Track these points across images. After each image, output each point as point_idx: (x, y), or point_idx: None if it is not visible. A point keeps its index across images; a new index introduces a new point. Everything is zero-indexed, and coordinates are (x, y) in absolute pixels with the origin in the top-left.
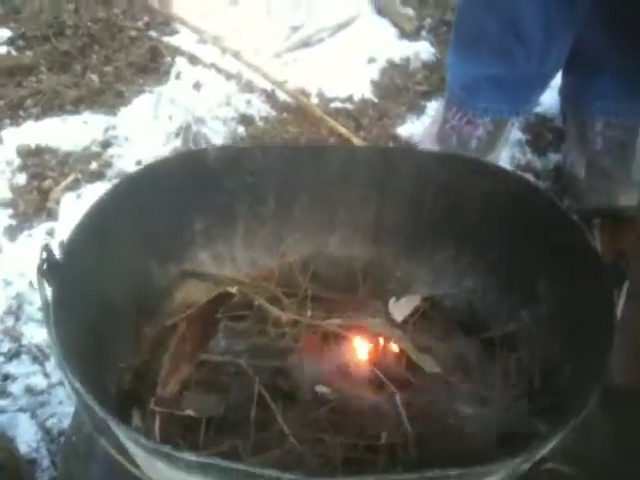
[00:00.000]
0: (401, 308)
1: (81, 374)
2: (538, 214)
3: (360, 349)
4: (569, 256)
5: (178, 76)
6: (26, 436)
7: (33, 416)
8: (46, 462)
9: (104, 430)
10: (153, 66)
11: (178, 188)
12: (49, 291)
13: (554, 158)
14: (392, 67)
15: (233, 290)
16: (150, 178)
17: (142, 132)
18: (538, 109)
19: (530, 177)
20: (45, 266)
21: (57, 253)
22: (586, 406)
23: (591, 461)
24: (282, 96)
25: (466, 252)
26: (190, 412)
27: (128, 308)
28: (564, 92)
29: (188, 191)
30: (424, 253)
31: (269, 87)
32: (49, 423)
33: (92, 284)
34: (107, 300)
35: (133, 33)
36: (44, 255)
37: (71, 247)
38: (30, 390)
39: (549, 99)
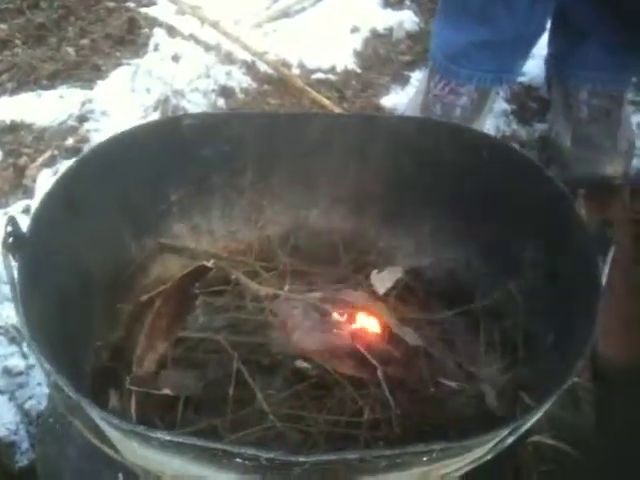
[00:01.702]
0: (383, 280)
1: (51, 353)
2: (522, 181)
3: (341, 322)
4: (554, 224)
5: (156, 48)
6: (5, 418)
7: (12, 398)
8: (25, 444)
9: (77, 411)
10: (130, 38)
11: (152, 157)
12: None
13: (539, 128)
14: (375, 37)
15: (209, 264)
16: (122, 147)
17: (119, 106)
18: (523, 79)
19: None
20: (10, 240)
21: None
22: (569, 376)
23: (578, 434)
24: (263, 67)
25: (448, 222)
26: (167, 391)
27: (102, 283)
28: (549, 61)
29: (163, 160)
30: (406, 223)
31: (249, 58)
32: (28, 405)
33: (62, 258)
34: (80, 275)
35: (110, 4)
36: (9, 228)
37: (39, 219)
38: (8, 372)
39: (533, 68)
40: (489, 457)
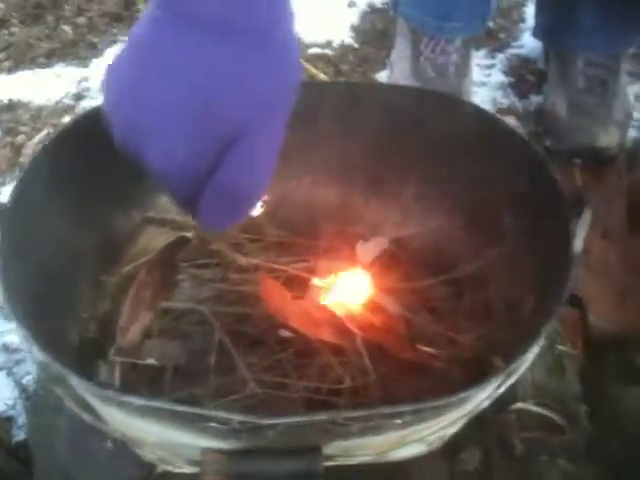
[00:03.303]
0: (368, 251)
1: (31, 324)
2: (502, 148)
3: (323, 292)
4: (531, 190)
5: None
6: (2, 393)
7: (9, 374)
8: (22, 419)
9: (59, 380)
10: (127, 15)
11: None
12: None
13: (536, 100)
14: (373, 11)
15: (190, 235)
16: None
17: None
18: (520, 51)
19: (512, 120)
20: None
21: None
22: (536, 340)
23: (562, 402)
24: None
25: (432, 191)
26: (152, 360)
27: (88, 256)
28: (541, 33)
29: None
30: (390, 193)
31: None
32: (25, 380)
33: (45, 230)
34: (63, 248)
35: None
36: None
37: (21, 190)
38: (6, 348)
39: (532, 41)
40: (466, 420)
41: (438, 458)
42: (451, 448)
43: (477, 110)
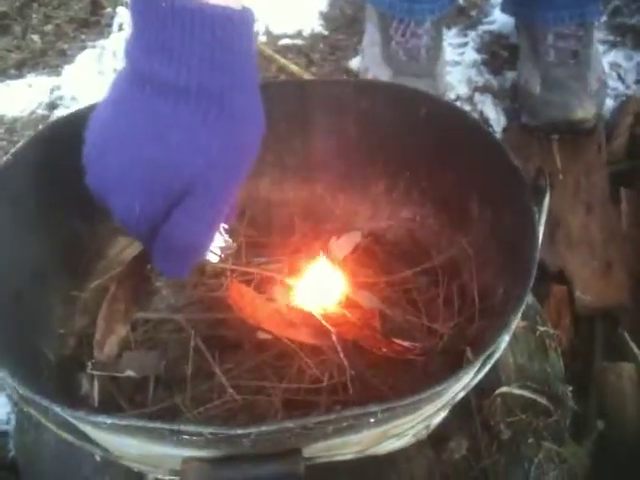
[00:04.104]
0: (341, 246)
1: (1, 346)
2: (460, 135)
3: (297, 292)
4: (493, 176)
5: (120, 27)
6: None
7: (2, 388)
8: None
9: (36, 404)
10: (94, 19)
11: None
12: None
13: (511, 76)
14: None
15: None
16: (66, 131)
17: (88, 89)
18: (492, 27)
19: (488, 98)
20: None
21: None
22: (503, 331)
23: (546, 383)
24: None
25: (399, 182)
26: (130, 372)
27: (58, 271)
28: (512, 5)
29: None
30: (359, 187)
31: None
32: None
33: (12, 246)
34: (32, 263)
35: None
36: None
37: None
38: None
39: (502, 15)
40: (448, 410)
41: (425, 448)
42: (438, 437)
43: (432, 98)
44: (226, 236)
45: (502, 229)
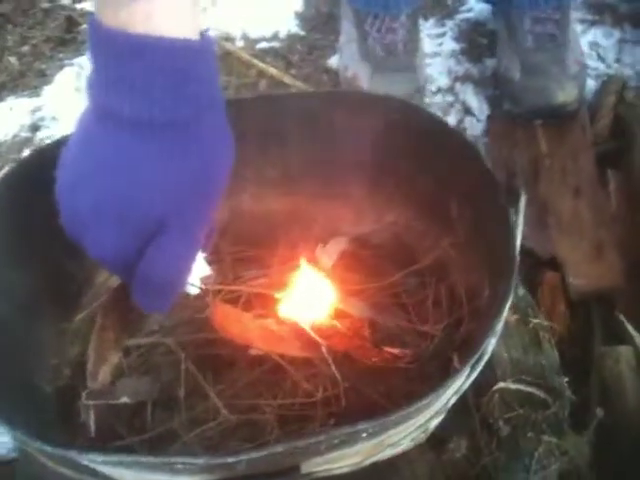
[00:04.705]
0: (329, 253)
1: None
2: (431, 138)
3: (285, 306)
4: (469, 179)
5: None
6: (2, 437)
7: None
8: None
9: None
10: (70, 37)
11: None
12: None
13: (491, 64)
14: None
15: None
16: (43, 164)
17: (68, 108)
18: (469, 15)
19: (470, 87)
20: None
21: None
22: (489, 335)
23: (541, 375)
24: None
25: (380, 187)
26: (125, 399)
27: (47, 304)
28: None
29: None
30: (340, 194)
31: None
32: None
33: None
34: (19, 301)
35: (45, 5)
36: None
37: None
38: None
39: (479, 2)
40: (442, 417)
41: (425, 450)
42: (437, 439)
43: (399, 104)
44: (206, 264)
45: (481, 231)
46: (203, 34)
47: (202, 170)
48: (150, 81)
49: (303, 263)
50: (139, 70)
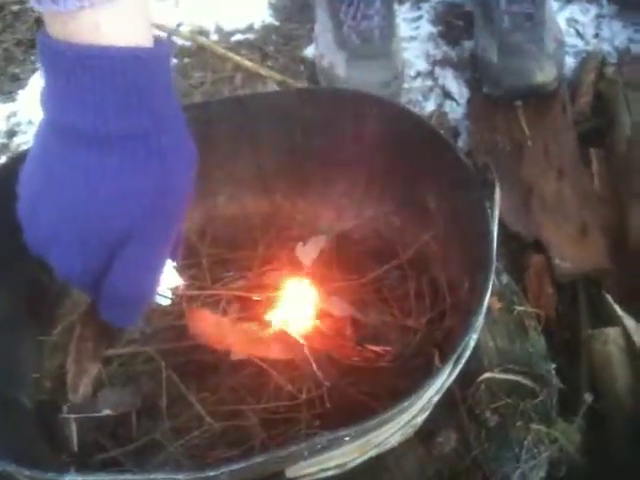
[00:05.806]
0: (308, 252)
1: None
2: (404, 131)
3: (265, 308)
4: (444, 172)
5: None
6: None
7: None
8: None
9: None
10: None
11: None
12: None
13: (469, 45)
14: None
15: None
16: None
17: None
18: None
19: (449, 71)
20: None
21: None
22: (468, 333)
23: (528, 364)
24: (179, 41)
25: (358, 182)
26: (107, 411)
27: (23, 319)
28: None
29: None
30: (318, 191)
31: (163, 34)
32: None
33: None
34: None
35: (14, 8)
36: None
37: None
38: None
39: None
40: (428, 413)
41: (414, 445)
42: (426, 433)
43: (370, 97)
44: (176, 274)
45: (460, 223)
46: (157, 39)
47: (165, 180)
48: (101, 96)
49: (283, 264)
50: (89, 85)
